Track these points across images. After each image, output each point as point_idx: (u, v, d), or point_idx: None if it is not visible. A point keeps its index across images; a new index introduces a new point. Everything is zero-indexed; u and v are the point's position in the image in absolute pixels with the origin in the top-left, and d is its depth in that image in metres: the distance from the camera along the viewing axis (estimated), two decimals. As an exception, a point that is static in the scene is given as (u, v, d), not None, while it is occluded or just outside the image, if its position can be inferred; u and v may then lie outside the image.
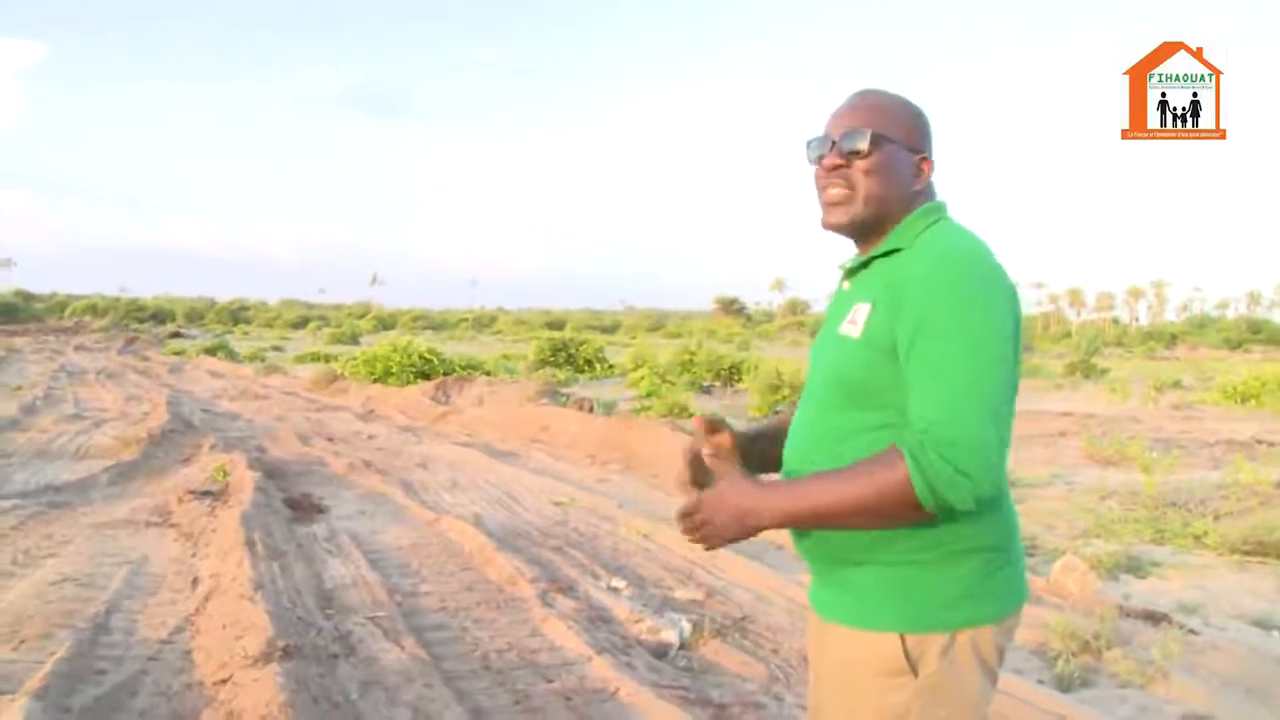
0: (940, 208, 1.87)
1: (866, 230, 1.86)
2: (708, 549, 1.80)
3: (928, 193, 1.88)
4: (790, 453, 1.92)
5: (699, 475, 2.01)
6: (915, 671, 1.72)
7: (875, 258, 1.84)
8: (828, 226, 1.89)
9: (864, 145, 1.80)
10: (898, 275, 1.74)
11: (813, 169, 1.90)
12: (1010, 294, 1.73)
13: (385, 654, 4.56)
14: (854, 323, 1.79)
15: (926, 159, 1.87)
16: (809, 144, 1.90)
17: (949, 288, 1.67)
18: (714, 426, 1.99)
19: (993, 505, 1.73)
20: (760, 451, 2.04)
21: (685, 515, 1.78)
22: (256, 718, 3.65)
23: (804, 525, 1.75)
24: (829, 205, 1.87)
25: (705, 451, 1.97)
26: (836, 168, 1.84)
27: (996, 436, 1.61)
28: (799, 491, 1.71)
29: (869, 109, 1.85)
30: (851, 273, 1.91)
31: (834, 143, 1.84)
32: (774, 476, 1.94)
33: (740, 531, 1.75)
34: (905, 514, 1.63)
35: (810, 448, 1.84)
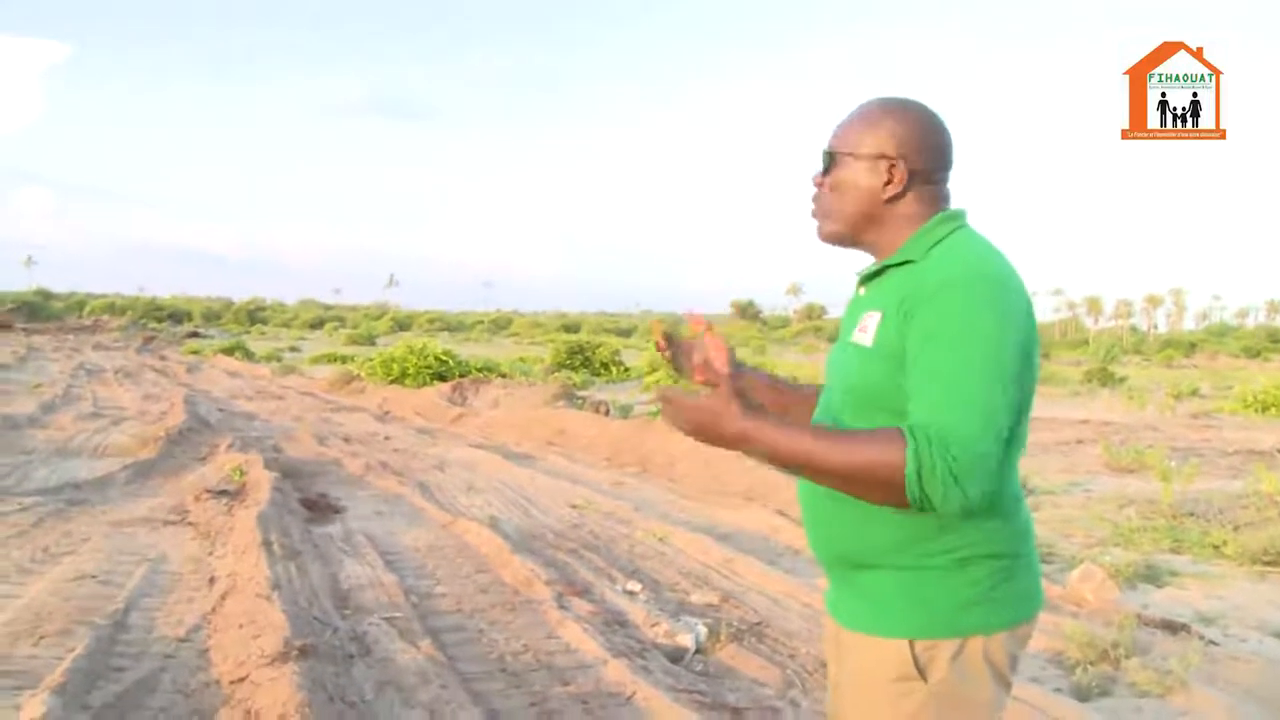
0: (958, 216, 1.85)
1: (850, 243, 1.92)
2: (685, 431, 1.77)
3: (924, 198, 1.84)
4: None
5: (676, 353, 2.11)
6: (925, 677, 1.72)
7: (889, 266, 1.84)
8: (821, 240, 1.95)
9: (824, 164, 1.90)
10: (909, 286, 1.73)
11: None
12: (1025, 309, 1.71)
13: (401, 655, 4.56)
14: (865, 331, 1.79)
15: (895, 164, 1.82)
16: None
17: (961, 300, 1.65)
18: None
19: (997, 512, 1.73)
20: (753, 390, 2.09)
21: (678, 406, 1.75)
22: (273, 717, 3.66)
23: (782, 463, 1.71)
24: (816, 222, 1.94)
25: (696, 357, 1.96)
26: (818, 185, 1.93)
27: (996, 451, 1.59)
28: (795, 433, 1.68)
29: (844, 126, 1.90)
30: (866, 280, 1.91)
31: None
32: None
33: (724, 445, 1.74)
34: (883, 495, 1.61)
35: None
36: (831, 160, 1.88)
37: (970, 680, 1.72)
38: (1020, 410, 1.68)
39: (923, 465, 1.55)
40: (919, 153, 1.83)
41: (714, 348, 1.91)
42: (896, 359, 1.70)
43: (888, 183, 1.83)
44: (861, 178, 1.84)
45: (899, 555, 1.74)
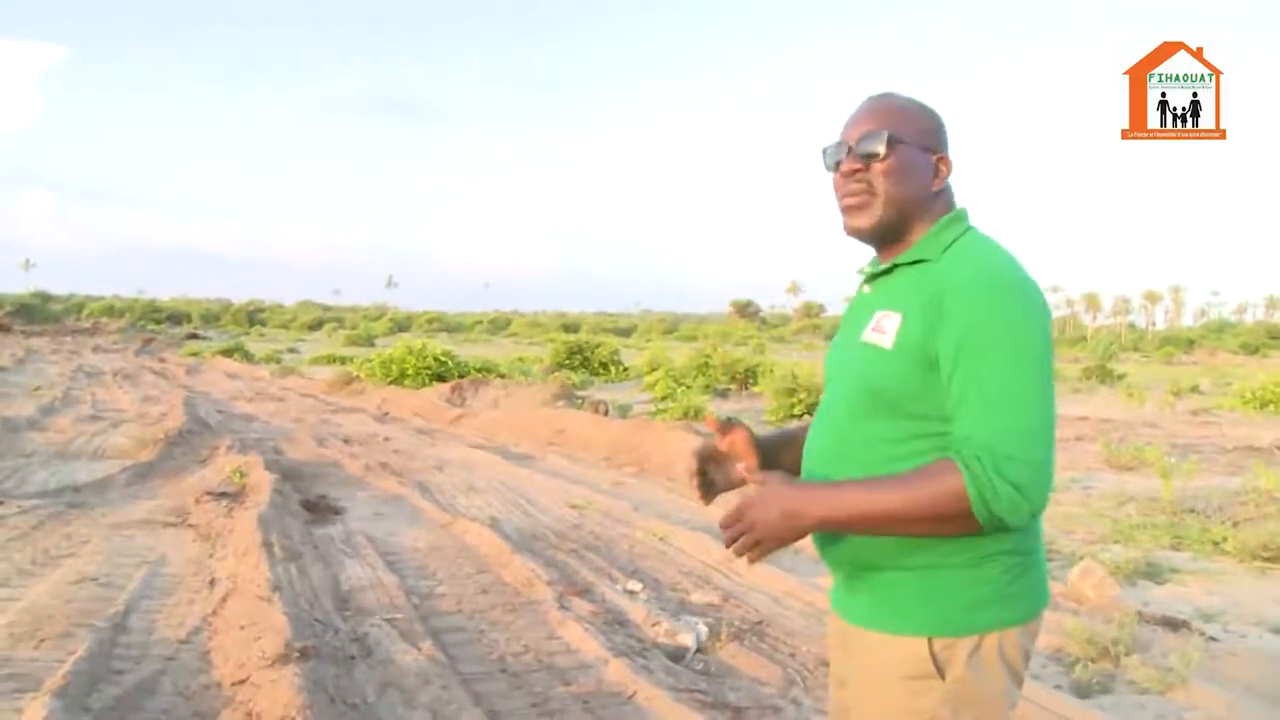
0: (964, 216, 1.86)
1: (889, 234, 1.85)
2: (753, 558, 1.76)
3: (947, 196, 1.88)
4: (815, 462, 1.90)
5: (709, 474, 2.02)
6: (942, 675, 1.71)
7: (900, 265, 1.83)
8: (850, 232, 1.88)
9: (881, 148, 1.80)
10: (931, 287, 1.73)
11: (831, 176, 1.89)
12: (1045, 310, 1.74)
13: (402, 656, 4.56)
14: (882, 332, 1.77)
15: (944, 159, 1.86)
16: (825, 151, 1.89)
17: (991, 304, 1.66)
18: (727, 426, 2.00)
19: None
20: (776, 456, 2.04)
21: (732, 521, 1.74)
22: (274, 719, 3.66)
23: (847, 528, 1.73)
24: (850, 210, 1.86)
25: (720, 447, 1.99)
26: (855, 172, 1.83)
27: (1048, 454, 1.62)
28: (846, 492, 1.70)
29: (883, 112, 1.84)
30: (872, 278, 1.90)
31: (850, 148, 1.84)
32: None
33: (787, 533, 1.72)
34: (955, 527, 1.64)
35: (839, 456, 1.83)
36: (890, 144, 1.80)
37: (986, 677, 1.72)
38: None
39: (984, 489, 1.57)
40: (946, 149, 1.88)
41: (739, 447, 1.99)
42: (922, 362, 1.70)
43: (935, 176, 1.85)
44: (919, 166, 1.83)
45: (916, 555, 1.73)
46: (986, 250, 1.77)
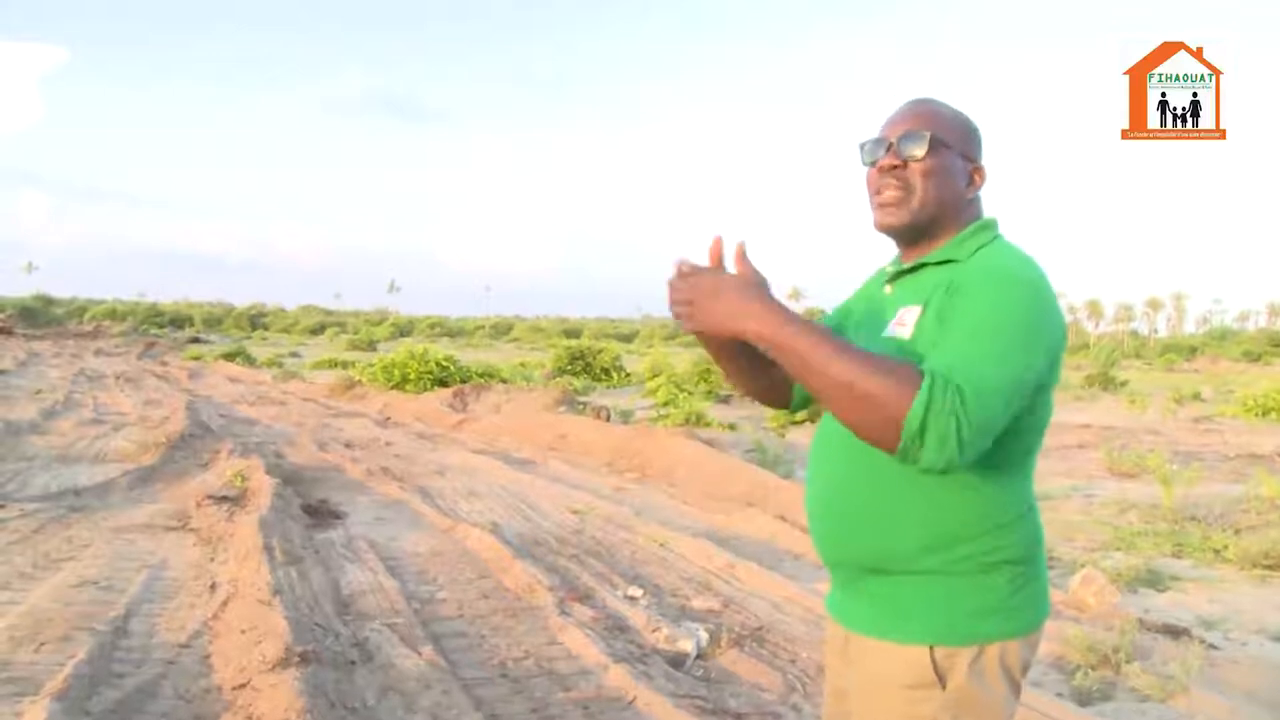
0: (994, 225, 1.88)
1: (920, 233, 1.87)
2: (680, 319, 1.73)
3: (978, 205, 1.91)
4: (829, 463, 1.88)
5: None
6: (943, 684, 1.71)
7: (927, 265, 1.84)
8: (881, 227, 1.89)
9: (922, 149, 1.82)
10: (952, 284, 1.73)
11: (866, 171, 1.91)
12: (1060, 322, 1.73)
13: (403, 660, 4.56)
14: (903, 324, 1.79)
15: (979, 169, 1.89)
16: (863, 146, 1.90)
17: (1004, 290, 1.67)
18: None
19: (1023, 516, 1.77)
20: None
21: (682, 276, 1.72)
22: (275, 723, 3.66)
23: (782, 355, 1.63)
24: (885, 206, 1.86)
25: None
26: (894, 169, 1.84)
27: (1001, 415, 1.58)
28: (808, 331, 1.62)
29: (927, 115, 1.87)
30: (896, 278, 1.91)
31: (890, 145, 1.85)
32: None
33: (723, 319, 1.67)
34: (877, 422, 1.55)
35: (855, 457, 1.78)
36: (932, 146, 1.82)
37: (987, 687, 1.72)
38: (1040, 410, 1.75)
39: (933, 403, 1.51)
40: (981, 159, 1.91)
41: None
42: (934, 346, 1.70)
43: (969, 184, 1.88)
44: (956, 171, 1.85)
45: (925, 560, 1.73)
46: (1012, 259, 1.78)
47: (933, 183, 1.83)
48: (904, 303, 1.83)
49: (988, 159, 1.91)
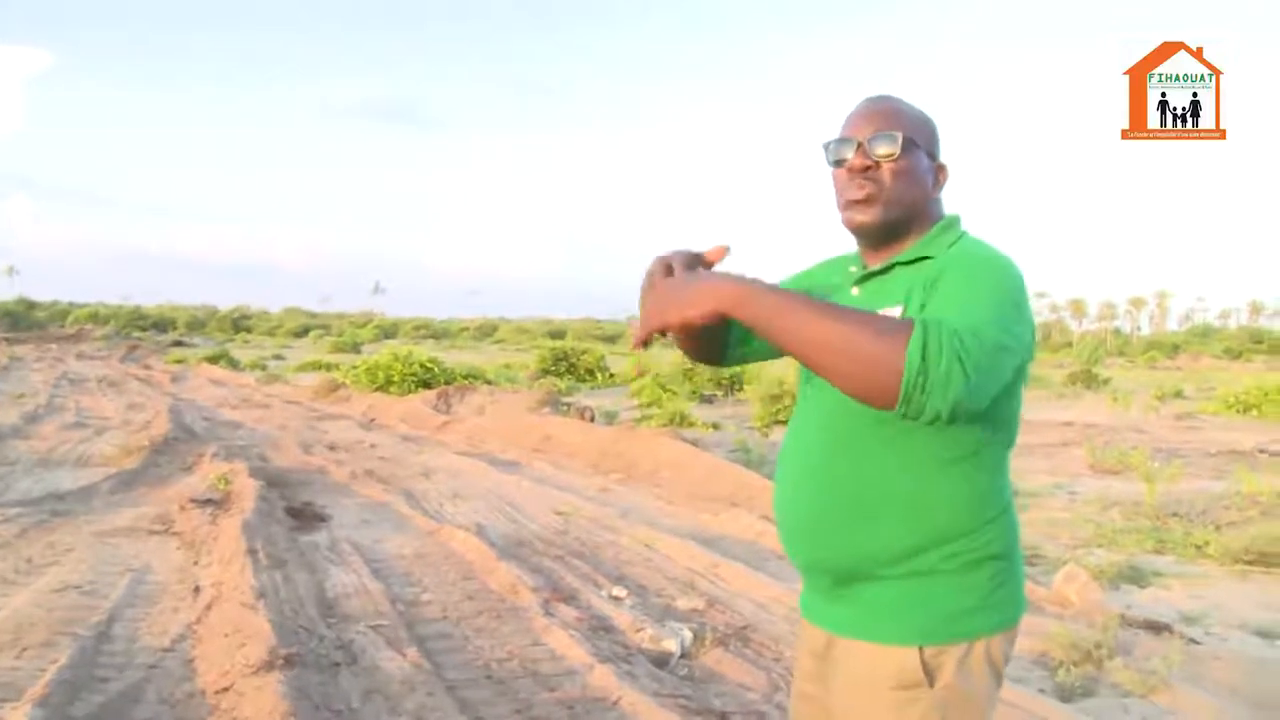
0: (959, 221, 1.88)
1: (890, 233, 1.85)
2: (653, 322, 1.66)
3: (940, 202, 1.91)
4: (806, 465, 1.85)
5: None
6: (932, 683, 1.70)
7: (899, 264, 1.82)
8: (852, 226, 1.86)
9: (895, 149, 1.80)
10: (927, 278, 1.73)
11: (831, 170, 1.87)
12: (1030, 318, 1.72)
13: (387, 663, 4.56)
14: None
15: (943, 167, 1.90)
16: (828, 146, 1.87)
17: (986, 272, 1.67)
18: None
19: (1005, 511, 1.79)
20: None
21: (659, 267, 1.71)
22: (258, 726, 3.66)
23: (764, 323, 1.60)
24: (855, 205, 1.83)
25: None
26: (865, 169, 1.82)
27: (1001, 362, 1.58)
28: (788, 295, 1.59)
29: (895, 114, 1.85)
30: (864, 279, 1.88)
31: (860, 144, 1.82)
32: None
33: (702, 296, 1.62)
34: (871, 374, 1.51)
35: (836, 457, 1.78)
36: (904, 146, 1.81)
37: (973, 682, 1.72)
38: (1016, 397, 1.77)
39: (929, 343, 1.49)
40: (940, 157, 1.91)
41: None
42: None
43: (935, 184, 1.88)
44: (924, 171, 1.85)
45: (910, 562, 1.72)
46: (986, 246, 1.79)
47: (904, 182, 1.82)
48: (878, 304, 1.77)
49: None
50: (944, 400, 1.49)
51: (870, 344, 1.51)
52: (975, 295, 1.62)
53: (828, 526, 1.78)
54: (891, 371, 1.49)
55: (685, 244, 1.85)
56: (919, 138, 1.84)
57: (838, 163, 1.86)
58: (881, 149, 1.81)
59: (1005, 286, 1.66)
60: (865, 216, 1.83)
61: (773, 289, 1.61)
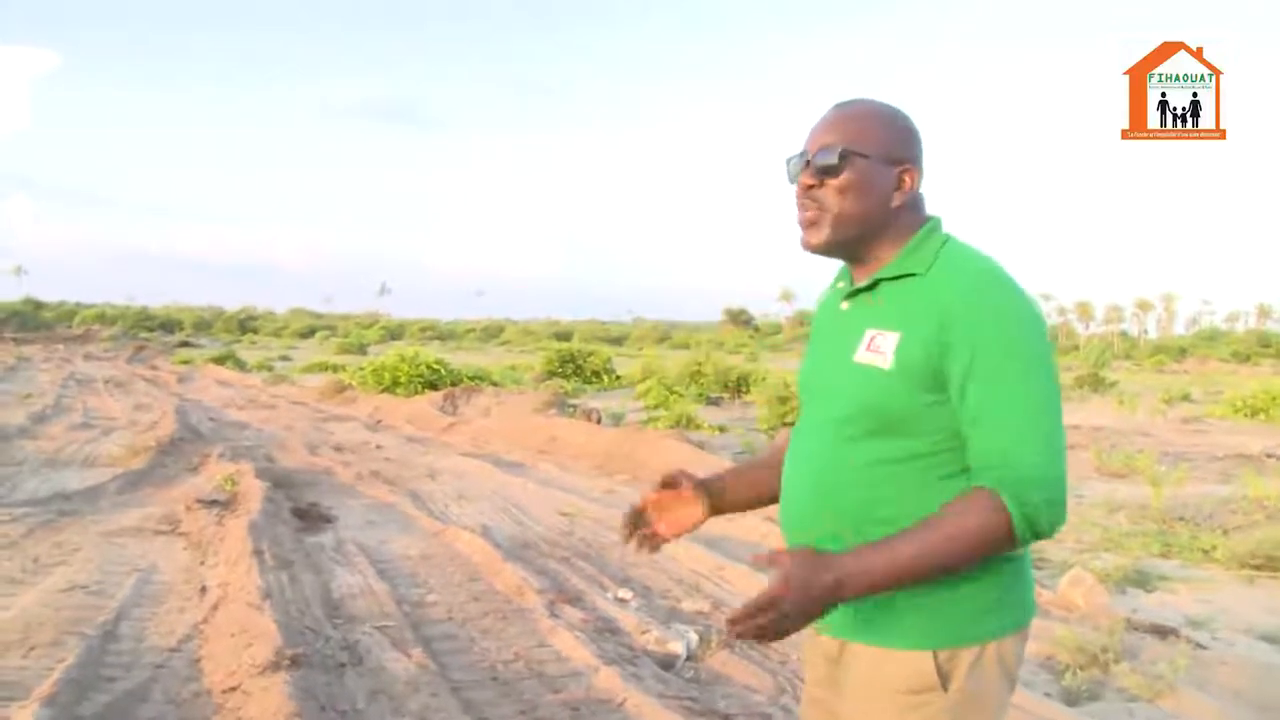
0: (939, 225, 1.80)
1: (845, 252, 1.81)
2: (770, 639, 1.66)
3: (917, 207, 1.81)
4: (806, 486, 1.83)
5: (647, 521, 2.04)
6: (945, 686, 1.69)
7: (883, 280, 1.77)
8: (805, 248, 1.81)
9: (833, 162, 1.74)
10: (925, 302, 1.69)
11: (793, 188, 1.83)
12: (1041, 314, 1.73)
13: (392, 663, 4.57)
14: (878, 352, 1.71)
15: (910, 170, 1.78)
16: (788, 162, 1.83)
17: (996, 318, 1.65)
18: (671, 481, 2.04)
19: None
20: (733, 493, 2.09)
21: (761, 609, 1.62)
22: (264, 726, 3.66)
23: (897, 584, 1.65)
24: (803, 227, 1.80)
25: (653, 499, 2.03)
26: (809, 188, 1.77)
27: (1064, 468, 1.66)
28: (887, 555, 1.63)
29: (843, 122, 1.77)
30: (852, 295, 1.83)
31: (809, 160, 1.77)
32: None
33: (824, 608, 1.64)
34: (997, 553, 1.66)
35: (837, 479, 1.76)
36: (842, 159, 1.73)
37: (986, 685, 1.71)
38: None
39: (1028, 511, 1.59)
40: (919, 159, 1.80)
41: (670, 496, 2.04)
42: (927, 381, 1.67)
43: (897, 189, 1.77)
44: (876, 180, 1.74)
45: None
46: (974, 260, 1.73)
47: (847, 198, 1.75)
48: (869, 323, 1.75)
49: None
50: (1057, 530, 1.65)
51: (982, 543, 1.62)
52: (1011, 376, 1.64)
53: (833, 534, 1.75)
54: (1010, 544, 1.63)
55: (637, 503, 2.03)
56: (866, 145, 1.75)
57: (793, 180, 1.83)
58: (822, 164, 1.76)
59: (1035, 348, 1.67)
60: (814, 239, 1.80)
61: (870, 559, 1.64)
